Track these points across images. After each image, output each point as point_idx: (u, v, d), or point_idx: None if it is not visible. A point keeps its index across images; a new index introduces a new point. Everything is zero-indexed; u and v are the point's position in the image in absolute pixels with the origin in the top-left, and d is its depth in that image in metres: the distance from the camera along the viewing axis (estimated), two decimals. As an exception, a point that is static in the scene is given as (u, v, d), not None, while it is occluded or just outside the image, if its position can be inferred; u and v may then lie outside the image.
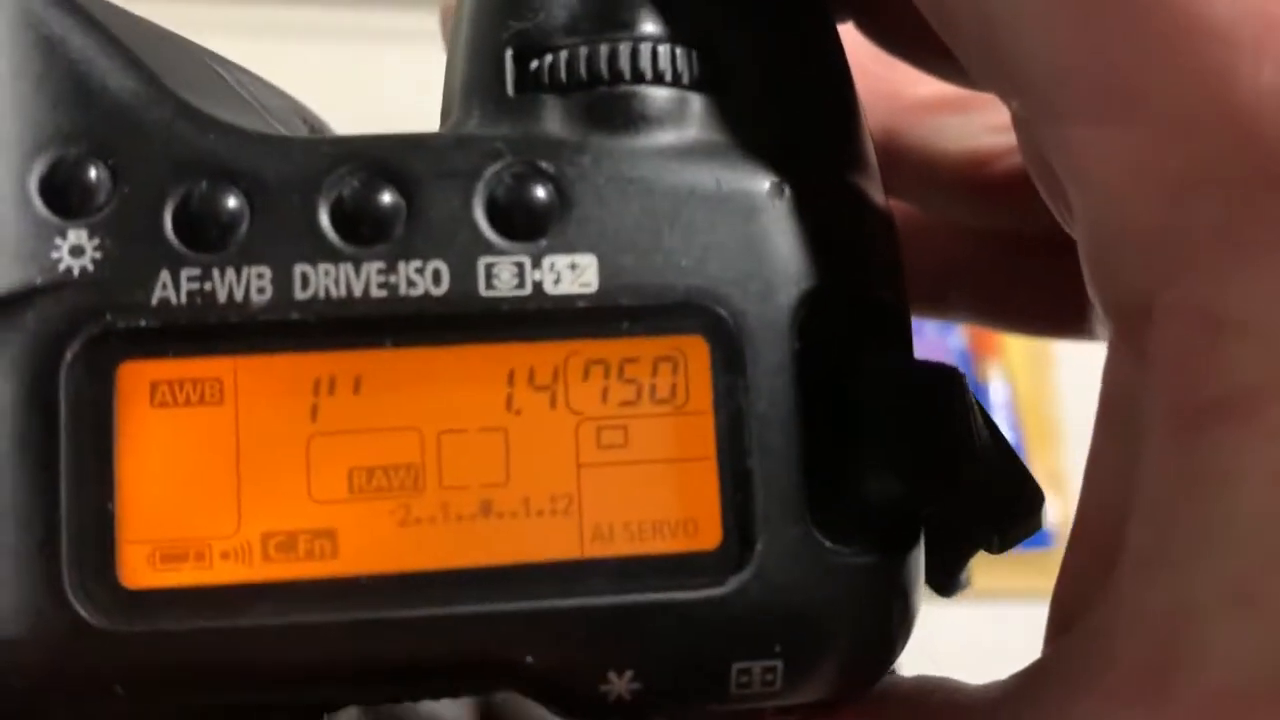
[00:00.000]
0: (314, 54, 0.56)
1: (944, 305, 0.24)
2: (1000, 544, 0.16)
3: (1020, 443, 0.58)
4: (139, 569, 0.13)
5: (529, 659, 0.14)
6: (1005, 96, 0.14)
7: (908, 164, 0.22)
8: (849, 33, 0.20)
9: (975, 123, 0.21)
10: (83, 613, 0.13)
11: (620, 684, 0.14)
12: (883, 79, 0.21)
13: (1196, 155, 0.12)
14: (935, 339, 0.64)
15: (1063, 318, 0.23)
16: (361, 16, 0.57)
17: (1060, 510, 0.57)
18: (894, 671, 0.18)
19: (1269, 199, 0.12)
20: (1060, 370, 0.67)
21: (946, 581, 0.19)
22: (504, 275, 0.14)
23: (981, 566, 0.16)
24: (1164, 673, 0.12)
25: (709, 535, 0.14)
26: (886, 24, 0.19)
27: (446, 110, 0.16)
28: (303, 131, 0.18)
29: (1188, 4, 0.12)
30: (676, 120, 0.15)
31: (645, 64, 0.14)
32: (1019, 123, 0.14)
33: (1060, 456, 0.61)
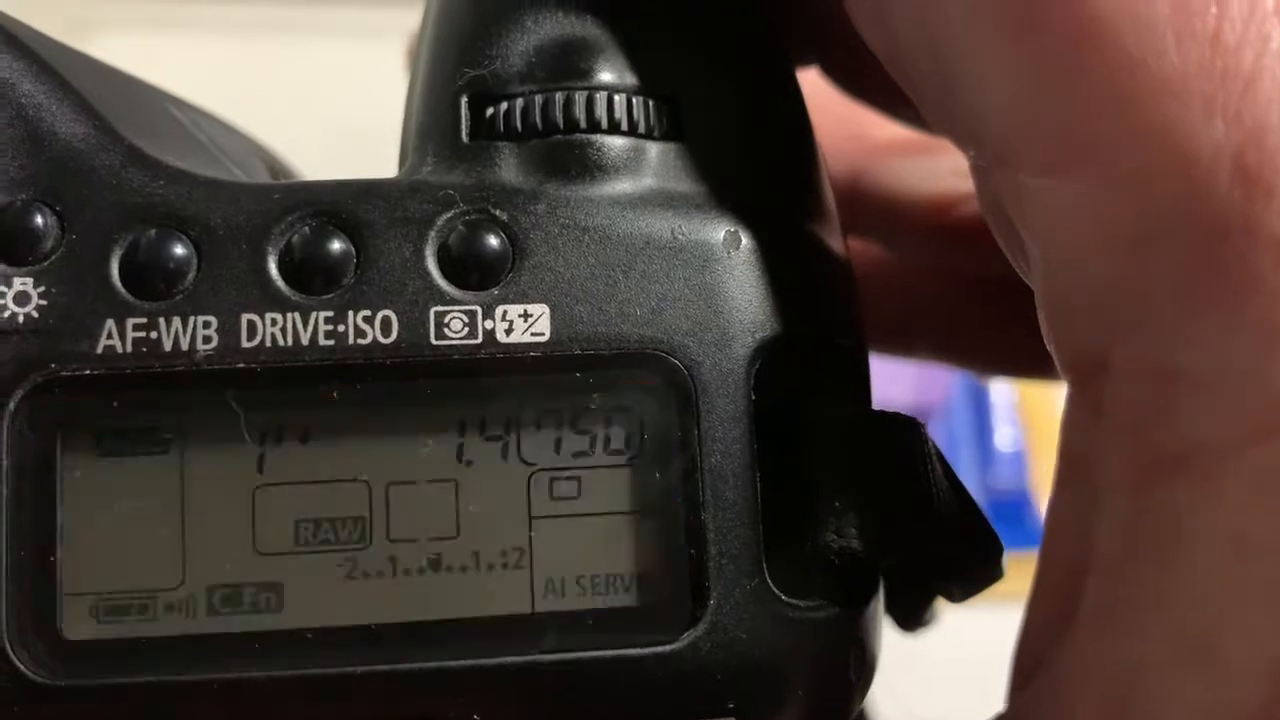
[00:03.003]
0: (310, 53, 0.56)
1: (912, 346, 0.24)
2: (961, 594, 0.16)
3: (1024, 445, 0.58)
4: (82, 621, 0.13)
5: (476, 717, 0.13)
6: (962, 146, 0.14)
7: (874, 205, 0.22)
8: (816, 76, 0.20)
9: (940, 166, 0.21)
10: (22, 666, 0.13)
11: None
12: (849, 121, 0.21)
13: (1150, 209, 0.12)
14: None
15: (1030, 361, 0.23)
16: (361, 15, 0.57)
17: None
18: (863, 714, 0.17)
19: (1222, 252, 0.12)
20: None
21: (911, 620, 0.19)
22: (455, 324, 0.14)
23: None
24: None
25: (661, 589, 0.14)
26: (850, 70, 0.19)
27: (403, 154, 0.16)
28: (262, 173, 0.18)
29: (1140, 57, 0.12)
30: (632, 169, 0.14)
31: (601, 113, 0.14)
32: (976, 171, 0.14)
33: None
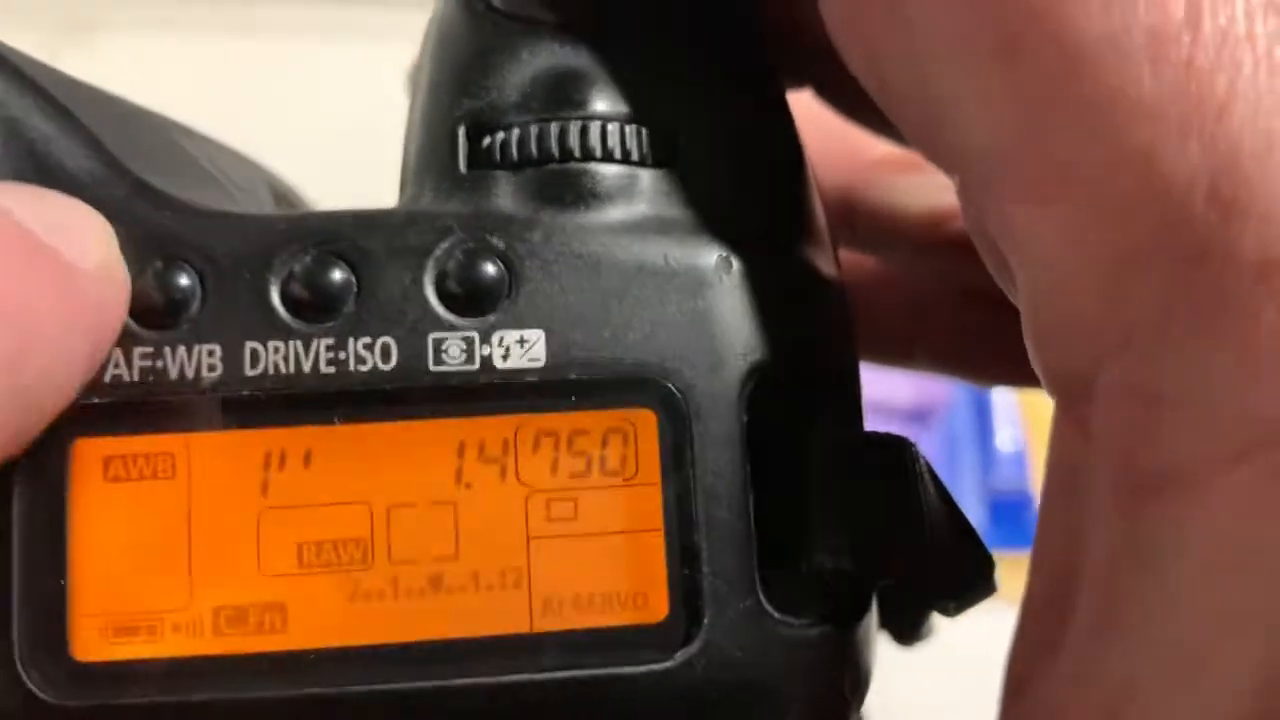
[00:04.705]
0: (311, 54, 0.57)
1: (910, 357, 0.24)
2: (955, 609, 0.16)
3: (1025, 445, 0.58)
4: (91, 642, 0.14)
5: None
6: (947, 171, 0.14)
7: (868, 221, 0.22)
8: (808, 95, 0.20)
9: (933, 181, 0.22)
10: (34, 687, 0.13)
11: None
12: (843, 137, 0.21)
13: (1129, 234, 0.12)
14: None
15: (1028, 371, 0.23)
16: (362, 16, 0.58)
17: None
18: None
19: (1201, 277, 0.12)
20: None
21: (907, 635, 0.20)
22: (453, 350, 0.14)
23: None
24: None
25: (657, 608, 0.14)
26: (843, 93, 0.19)
27: (403, 183, 0.16)
28: (268, 201, 0.18)
29: (1116, 84, 0.12)
30: (626, 196, 0.15)
31: (595, 142, 0.15)
32: (962, 194, 0.15)
33: (1066, 459, 0.59)
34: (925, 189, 0.22)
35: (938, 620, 0.21)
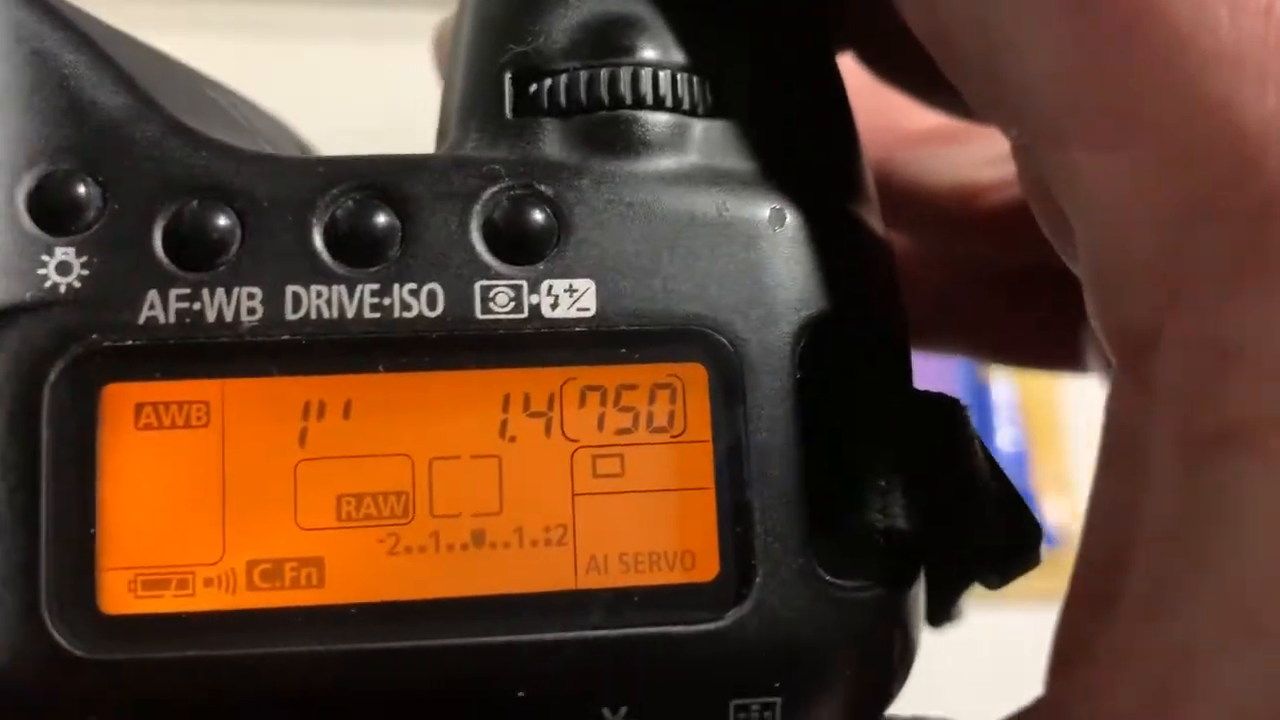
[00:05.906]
0: (316, 54, 0.56)
1: (940, 340, 0.24)
2: (1000, 580, 0.16)
3: (1025, 444, 0.58)
4: (120, 596, 0.13)
5: (520, 693, 0.13)
6: (1006, 125, 0.14)
7: (901, 195, 0.22)
8: (846, 64, 0.20)
9: (967, 155, 0.21)
10: (62, 640, 0.13)
11: None
12: (878, 110, 0.21)
13: (1200, 182, 0.12)
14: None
15: (1058, 352, 0.23)
16: (366, 15, 0.58)
17: (1067, 511, 0.56)
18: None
19: (1271, 226, 0.12)
20: (1066, 370, 0.64)
21: (941, 613, 0.19)
22: (500, 299, 0.14)
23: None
24: (1167, 709, 0.12)
25: (707, 567, 0.14)
26: (886, 55, 0.19)
27: (443, 132, 0.16)
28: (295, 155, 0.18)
29: (1192, 30, 0.12)
30: (677, 145, 0.14)
31: (646, 89, 0.14)
32: (1019, 152, 0.14)
33: (1066, 458, 0.60)
34: (960, 162, 0.21)
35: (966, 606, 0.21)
